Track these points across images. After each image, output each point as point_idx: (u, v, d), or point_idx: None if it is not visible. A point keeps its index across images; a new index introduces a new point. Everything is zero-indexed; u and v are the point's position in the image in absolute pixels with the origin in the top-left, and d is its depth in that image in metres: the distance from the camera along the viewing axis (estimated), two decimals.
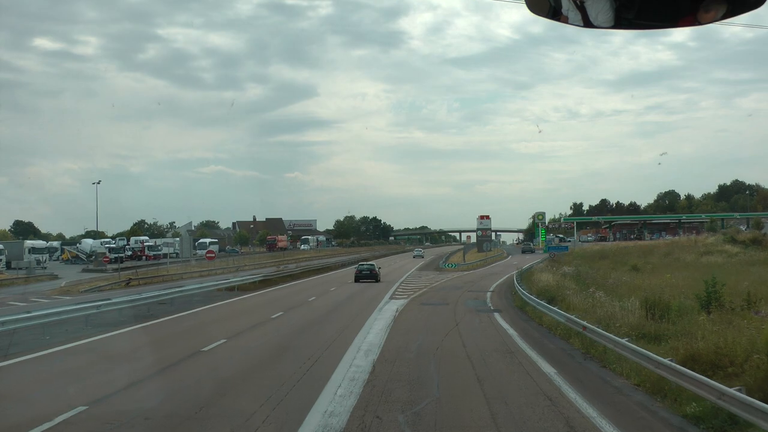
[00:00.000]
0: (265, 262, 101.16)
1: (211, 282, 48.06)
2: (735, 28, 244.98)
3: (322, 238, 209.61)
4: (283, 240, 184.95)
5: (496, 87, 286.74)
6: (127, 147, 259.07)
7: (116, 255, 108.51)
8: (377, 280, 57.68)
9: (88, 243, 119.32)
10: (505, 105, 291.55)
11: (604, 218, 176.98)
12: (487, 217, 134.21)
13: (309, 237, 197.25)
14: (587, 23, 4.14)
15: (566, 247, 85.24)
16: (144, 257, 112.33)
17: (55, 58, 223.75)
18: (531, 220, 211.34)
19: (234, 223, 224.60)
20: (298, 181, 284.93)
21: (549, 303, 30.83)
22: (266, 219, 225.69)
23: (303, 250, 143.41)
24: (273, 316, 30.67)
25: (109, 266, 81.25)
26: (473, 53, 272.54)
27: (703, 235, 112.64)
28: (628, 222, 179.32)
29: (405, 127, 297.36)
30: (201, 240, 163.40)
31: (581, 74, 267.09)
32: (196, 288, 42.83)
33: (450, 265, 78.96)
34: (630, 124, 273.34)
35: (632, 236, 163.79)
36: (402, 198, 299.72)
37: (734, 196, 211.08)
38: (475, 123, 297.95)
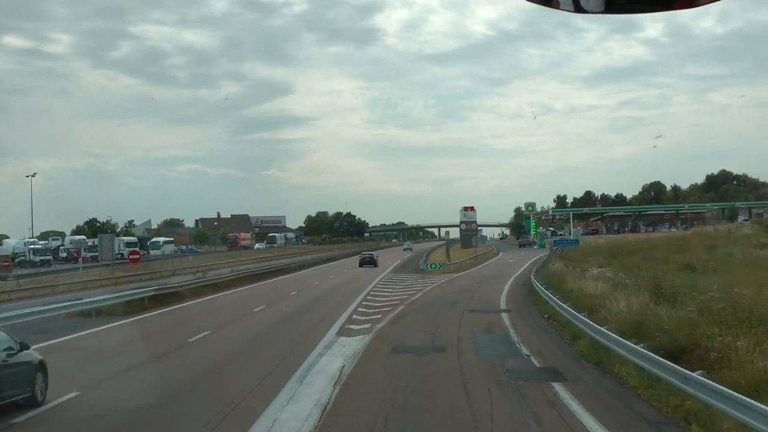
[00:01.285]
0: (216, 262, 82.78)
1: (87, 299, 29.75)
2: (706, 24, 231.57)
3: (291, 235, 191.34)
4: (246, 238, 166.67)
5: (471, 83, 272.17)
6: (102, 145, 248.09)
7: (42, 257, 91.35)
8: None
9: (10, 244, 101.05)
10: (480, 101, 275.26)
11: (606, 209, 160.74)
12: (472, 208, 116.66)
13: (276, 234, 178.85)
14: (578, 8, 3.78)
15: (576, 240, 67.77)
16: (80, 259, 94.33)
17: (26, 56, 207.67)
18: (514, 214, 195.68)
19: (197, 221, 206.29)
20: (275, 178, 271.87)
21: (675, 361, 13.00)
22: (231, 216, 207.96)
23: (258, 249, 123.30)
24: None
25: (13, 271, 62.49)
26: (449, 50, 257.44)
27: (722, 224, 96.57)
28: (620, 214, 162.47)
29: (381, 124, 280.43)
30: (154, 239, 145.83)
31: (556, 70, 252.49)
32: (34, 312, 24.77)
33: (433, 266, 61.40)
34: (604, 119, 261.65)
35: (627, 228, 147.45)
36: (379, 195, 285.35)
37: (723, 186, 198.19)
38: (451, 119, 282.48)
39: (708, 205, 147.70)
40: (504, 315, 27.92)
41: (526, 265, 66.74)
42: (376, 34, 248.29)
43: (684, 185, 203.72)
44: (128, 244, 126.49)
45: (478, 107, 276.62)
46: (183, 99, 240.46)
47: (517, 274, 55.15)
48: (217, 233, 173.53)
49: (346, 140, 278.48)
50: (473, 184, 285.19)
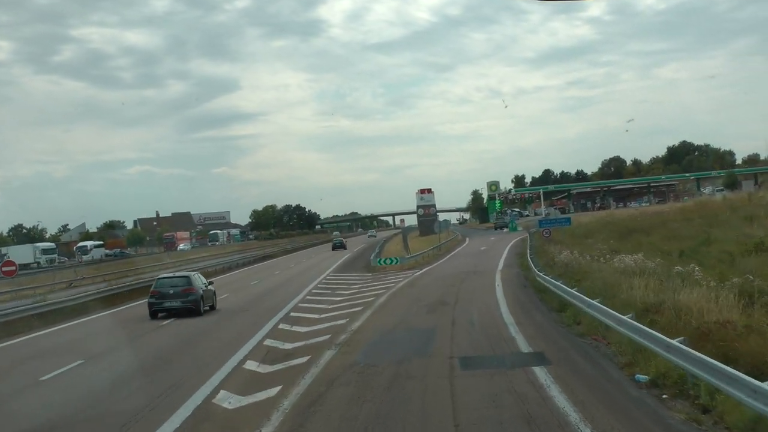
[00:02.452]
0: (134, 268, 67.06)
1: None
2: (648, 0, 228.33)
3: (235, 231, 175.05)
4: (184, 237, 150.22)
5: (418, 70, 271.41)
6: (49, 152, 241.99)
7: None
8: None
9: None
10: (428, 88, 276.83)
11: (577, 185, 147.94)
12: (429, 191, 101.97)
13: (218, 231, 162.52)
14: None
15: (568, 219, 53.34)
16: None
17: None
18: (472, 197, 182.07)
19: (135, 222, 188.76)
20: (226, 176, 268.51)
21: None
22: (172, 214, 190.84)
23: (183, 250, 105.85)
24: None
25: None
26: (394, 38, 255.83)
27: (702, 194, 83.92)
28: (587, 190, 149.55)
29: (330, 116, 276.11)
30: (81, 243, 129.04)
31: (501, 53, 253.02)
32: None
33: (387, 261, 46.35)
34: (552, 100, 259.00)
35: (597, 205, 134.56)
36: (331, 187, 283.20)
37: (686, 158, 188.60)
38: (400, 108, 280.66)
39: (690, 175, 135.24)
40: (540, 372, 12.92)
41: (505, 252, 52.27)
42: (321, 26, 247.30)
43: (639, 160, 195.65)
44: (45, 251, 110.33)
45: (426, 94, 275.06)
46: (129, 100, 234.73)
47: (500, 267, 40.58)
48: (156, 234, 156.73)
49: (296, 134, 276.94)
50: (425, 171, 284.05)
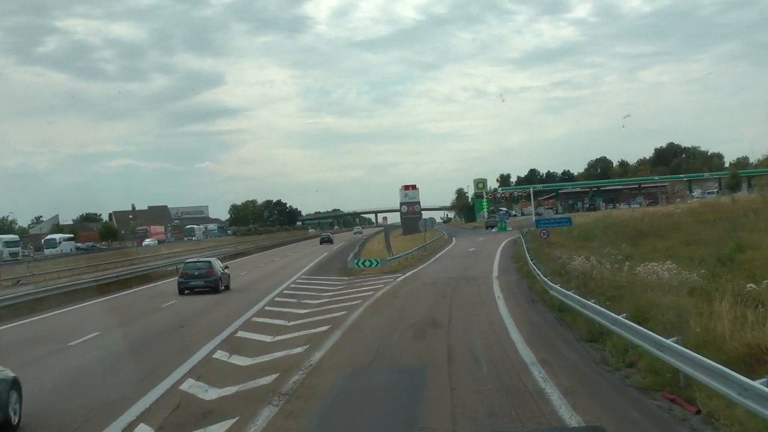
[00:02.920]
0: (92, 264, 61.06)
1: None
2: (634, 3, 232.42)
3: (212, 226, 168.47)
4: (159, 232, 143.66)
5: (404, 69, 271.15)
6: (32, 143, 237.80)
7: None
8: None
9: None
10: (413, 86, 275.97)
11: (568, 185, 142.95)
12: (414, 187, 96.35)
13: (194, 226, 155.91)
14: None
15: (568, 219, 47.77)
16: None
17: None
18: (456, 195, 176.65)
19: (110, 215, 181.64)
20: (210, 171, 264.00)
21: None
22: (149, 207, 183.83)
23: (148, 246, 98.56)
24: None
25: None
26: (380, 36, 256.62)
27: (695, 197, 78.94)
28: (576, 191, 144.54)
29: (315, 113, 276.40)
30: (50, 236, 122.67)
31: (487, 53, 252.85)
32: None
33: (367, 263, 40.44)
34: (537, 100, 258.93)
35: (585, 206, 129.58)
36: (315, 183, 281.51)
37: (674, 159, 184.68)
38: (385, 105, 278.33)
39: (685, 176, 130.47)
40: None
41: (498, 255, 46.79)
42: (307, 22, 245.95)
43: (626, 161, 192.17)
44: (8, 243, 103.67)
45: (411, 92, 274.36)
46: (113, 93, 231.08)
47: (496, 273, 35.03)
48: (129, 227, 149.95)
49: (280, 130, 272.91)
50: (409, 170, 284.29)
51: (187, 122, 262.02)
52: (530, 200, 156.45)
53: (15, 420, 10.76)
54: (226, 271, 33.87)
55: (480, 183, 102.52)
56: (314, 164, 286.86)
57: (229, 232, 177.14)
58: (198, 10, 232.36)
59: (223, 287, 32.00)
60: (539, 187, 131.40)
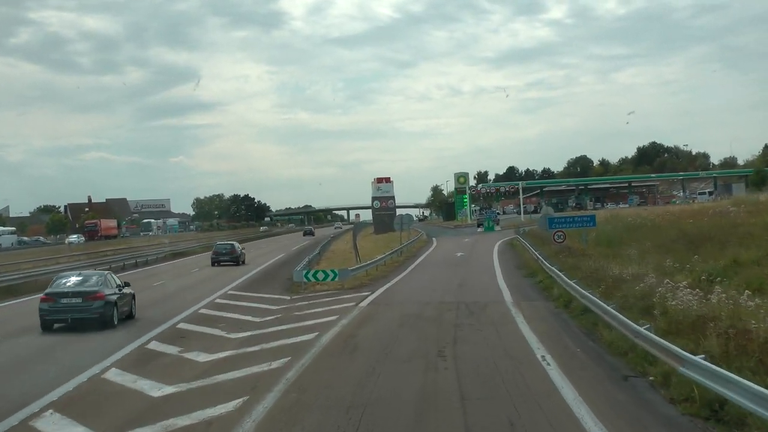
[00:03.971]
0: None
1: None
2: (609, 5, 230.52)
3: (172, 221, 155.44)
4: (111, 226, 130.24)
5: (379, 66, 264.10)
6: (3, 135, 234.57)
7: None
8: None
9: None
10: (388, 84, 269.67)
11: (580, 180, 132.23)
12: (388, 180, 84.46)
13: (152, 221, 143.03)
14: None
15: (591, 218, 35.83)
16: None
17: None
18: (432, 192, 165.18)
19: (66, 207, 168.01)
20: (183, 165, 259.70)
21: None
22: (106, 200, 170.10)
23: (72, 244, 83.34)
24: None
25: None
26: (355, 33, 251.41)
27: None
28: (560, 188, 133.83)
29: (290, 109, 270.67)
30: None
31: (463, 52, 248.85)
32: None
33: (320, 276, 27.71)
34: (512, 100, 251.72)
35: (572, 205, 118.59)
36: (288, 180, 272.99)
37: (658, 159, 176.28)
38: (360, 102, 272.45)
39: (682, 175, 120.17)
40: None
41: (496, 262, 35.22)
42: (282, 18, 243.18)
43: (607, 160, 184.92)
44: None
45: (387, 90, 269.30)
46: (87, 86, 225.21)
47: (510, 296, 22.98)
48: (78, 221, 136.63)
49: (254, 125, 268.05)
50: (384, 167, 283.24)
51: (162, 116, 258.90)
52: (511, 198, 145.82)
53: None
54: (243, 251, 43.37)
55: (461, 177, 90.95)
56: (288, 160, 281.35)
57: (192, 227, 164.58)
58: (173, 3, 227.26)
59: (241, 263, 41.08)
60: (523, 183, 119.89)
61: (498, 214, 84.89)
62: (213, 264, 41.68)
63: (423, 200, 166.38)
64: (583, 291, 17.89)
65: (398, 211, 74.36)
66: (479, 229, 69.95)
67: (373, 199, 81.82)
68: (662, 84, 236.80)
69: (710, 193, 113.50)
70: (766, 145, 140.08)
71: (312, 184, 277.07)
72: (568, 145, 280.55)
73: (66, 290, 18.99)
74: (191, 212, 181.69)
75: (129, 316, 20.47)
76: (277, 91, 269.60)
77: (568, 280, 20.56)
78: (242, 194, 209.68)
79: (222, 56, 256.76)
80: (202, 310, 22.29)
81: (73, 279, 20.01)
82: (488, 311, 19.58)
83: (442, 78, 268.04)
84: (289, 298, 25.36)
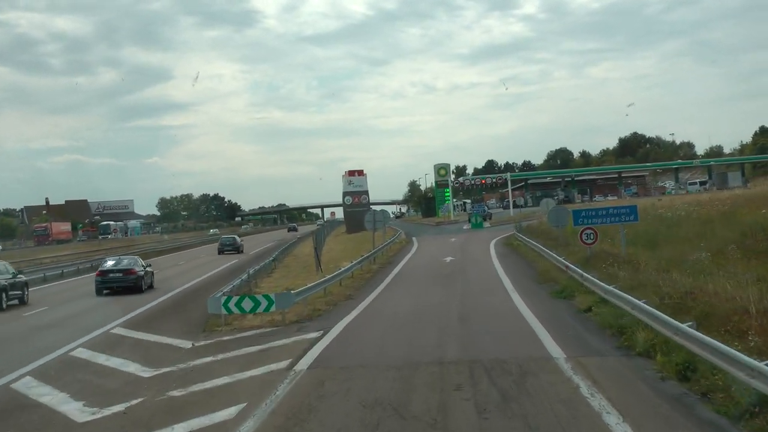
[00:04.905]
0: None
1: None
2: (582, 0, 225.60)
3: (134, 222, 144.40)
4: (63, 230, 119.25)
5: (353, 64, 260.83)
6: None
7: None
8: None
9: None
10: (362, 82, 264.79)
11: (568, 171, 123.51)
12: (361, 172, 74.64)
13: (111, 223, 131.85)
14: None
15: (633, 210, 26.18)
16: None
17: None
18: (408, 188, 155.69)
19: (22, 210, 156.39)
20: (158, 166, 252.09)
21: None
22: (66, 202, 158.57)
23: None
24: None
25: None
26: (329, 30, 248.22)
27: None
28: (546, 180, 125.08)
29: (264, 107, 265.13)
30: None
31: (437, 49, 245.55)
32: None
33: (247, 306, 17.45)
34: (486, 96, 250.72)
35: (559, 198, 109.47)
36: (263, 179, 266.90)
37: (641, 150, 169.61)
38: (334, 101, 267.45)
39: (672, 163, 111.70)
40: None
41: (500, 270, 25.55)
42: (255, 17, 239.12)
43: (588, 152, 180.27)
44: None
45: (361, 88, 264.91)
46: (59, 87, 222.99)
47: (555, 348, 12.66)
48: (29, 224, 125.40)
49: (228, 125, 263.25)
50: (358, 165, 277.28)
51: (135, 117, 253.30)
52: (492, 192, 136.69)
53: None
54: (241, 241, 54.75)
55: (441, 169, 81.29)
56: (263, 159, 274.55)
57: (157, 228, 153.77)
58: (145, 3, 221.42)
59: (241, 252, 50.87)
60: (508, 175, 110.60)
61: (486, 208, 75.50)
62: (219, 253, 51.39)
63: (399, 197, 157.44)
64: (720, 346, 8.49)
65: (373, 208, 64.63)
66: (466, 227, 60.39)
67: (345, 194, 71.91)
68: (636, 78, 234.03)
69: (702, 183, 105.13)
70: (755, 133, 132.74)
71: (287, 183, 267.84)
72: (544, 140, 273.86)
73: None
74: (157, 213, 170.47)
75: None
76: (251, 90, 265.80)
77: (662, 315, 11.08)
78: (212, 193, 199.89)
79: (195, 56, 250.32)
80: (24, 382, 12.46)
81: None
82: (533, 389, 9.91)
83: (416, 75, 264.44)
84: (190, 345, 15.48)
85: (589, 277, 17.82)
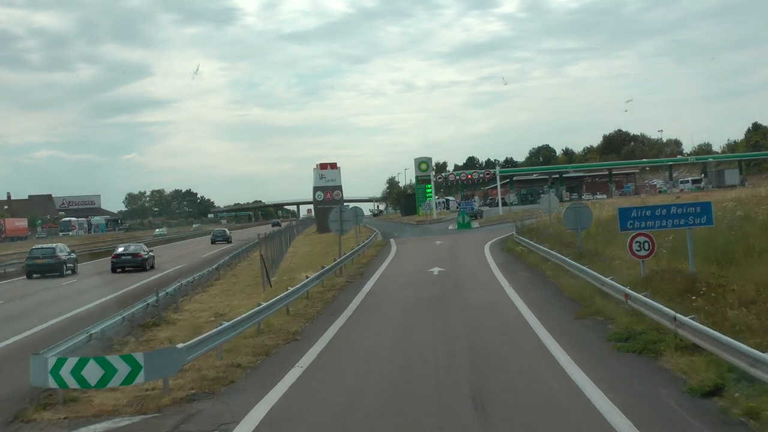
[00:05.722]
0: None
1: None
2: None
3: (98, 218, 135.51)
4: (19, 227, 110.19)
5: (333, 62, 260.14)
6: None
7: None
8: None
9: None
10: (342, 80, 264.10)
11: (556, 167, 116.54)
12: (334, 165, 66.75)
13: (72, 219, 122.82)
14: None
15: (706, 208, 18.69)
16: None
17: None
18: (387, 185, 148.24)
19: None
20: (136, 162, 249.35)
21: None
22: (29, 197, 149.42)
23: None
24: None
25: None
26: (309, 28, 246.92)
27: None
28: (532, 178, 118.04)
29: (243, 105, 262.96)
30: None
31: (416, 47, 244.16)
32: None
33: (95, 373, 9.31)
34: (465, 95, 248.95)
35: (542, 195, 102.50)
36: (241, 176, 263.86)
37: (626, 147, 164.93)
38: (313, 98, 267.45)
39: (667, 160, 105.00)
40: None
41: (514, 296, 17.55)
42: (235, 14, 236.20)
43: (571, 149, 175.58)
44: None
45: (340, 85, 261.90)
46: (37, 83, 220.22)
47: None
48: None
49: (208, 122, 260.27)
50: (338, 162, 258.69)
51: (114, 113, 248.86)
52: (475, 189, 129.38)
53: None
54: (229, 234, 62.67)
55: (423, 164, 73.41)
56: (243, 157, 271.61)
57: (125, 225, 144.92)
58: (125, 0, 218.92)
59: (229, 243, 51.83)
60: (495, 171, 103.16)
61: (476, 206, 68.05)
62: (212, 243, 57.70)
63: (378, 194, 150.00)
64: None
65: (346, 205, 56.71)
66: (451, 227, 52.70)
67: (315, 189, 63.88)
68: (615, 77, 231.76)
69: (695, 182, 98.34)
70: (748, 129, 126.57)
71: (265, 180, 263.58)
72: (523, 138, 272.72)
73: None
74: (124, 209, 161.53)
75: None
76: (231, 88, 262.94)
77: None
78: (185, 189, 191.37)
79: (174, 53, 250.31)
80: None
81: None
82: None
83: (395, 73, 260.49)
84: None
85: (691, 322, 10.23)
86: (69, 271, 35.27)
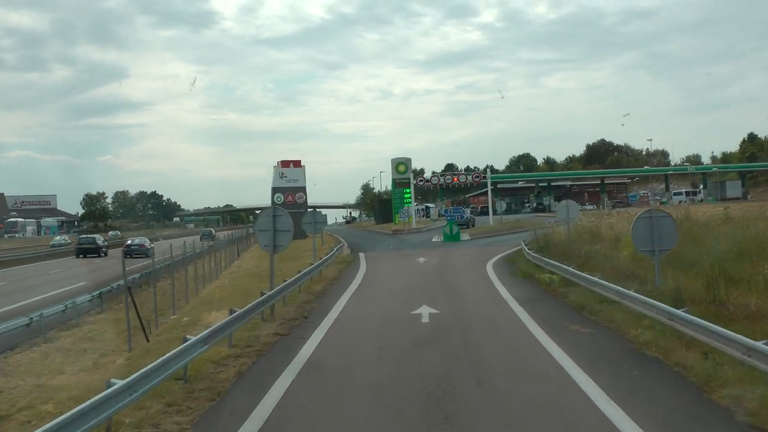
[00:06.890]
0: None
1: None
2: (539, 9, 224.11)
3: (50, 220, 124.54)
4: None
5: (309, 67, 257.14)
6: None
7: None
8: None
9: None
10: (319, 85, 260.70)
11: (545, 175, 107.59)
12: (298, 163, 57.06)
13: (19, 220, 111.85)
14: None
15: None
16: None
17: None
18: (362, 191, 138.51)
19: None
20: (111, 164, 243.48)
21: None
22: None
23: None
24: None
25: None
26: (286, 34, 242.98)
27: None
28: (518, 186, 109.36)
29: (219, 109, 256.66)
30: None
31: (393, 55, 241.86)
32: None
33: None
34: (441, 103, 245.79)
35: (532, 205, 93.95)
36: (216, 180, 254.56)
37: (610, 157, 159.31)
38: (289, 104, 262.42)
39: (666, 168, 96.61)
40: None
41: (604, 406, 7.65)
42: (213, 18, 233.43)
43: (553, 159, 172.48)
44: None
45: (317, 91, 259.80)
46: (11, 83, 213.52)
47: None
48: None
49: (183, 125, 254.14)
50: (313, 169, 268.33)
51: (89, 115, 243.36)
52: (456, 195, 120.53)
53: None
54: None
55: (401, 165, 63.73)
56: (217, 161, 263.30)
57: (81, 228, 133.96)
58: (101, 0, 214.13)
59: (211, 242, 46.42)
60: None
61: (467, 213, 58.50)
62: (201, 240, 54.64)
63: (352, 201, 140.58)
64: None
65: (322, 212, 46.82)
66: (436, 239, 43.18)
67: (274, 190, 53.87)
68: (591, 89, 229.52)
69: (691, 194, 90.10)
70: (743, 140, 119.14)
71: (238, 184, 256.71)
72: (500, 147, 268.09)
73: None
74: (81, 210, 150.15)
75: None
76: (207, 91, 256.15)
77: None
78: (150, 191, 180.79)
79: (150, 55, 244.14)
80: None
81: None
82: None
83: (372, 80, 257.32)
84: None
85: None
86: (103, 254, 50.41)
